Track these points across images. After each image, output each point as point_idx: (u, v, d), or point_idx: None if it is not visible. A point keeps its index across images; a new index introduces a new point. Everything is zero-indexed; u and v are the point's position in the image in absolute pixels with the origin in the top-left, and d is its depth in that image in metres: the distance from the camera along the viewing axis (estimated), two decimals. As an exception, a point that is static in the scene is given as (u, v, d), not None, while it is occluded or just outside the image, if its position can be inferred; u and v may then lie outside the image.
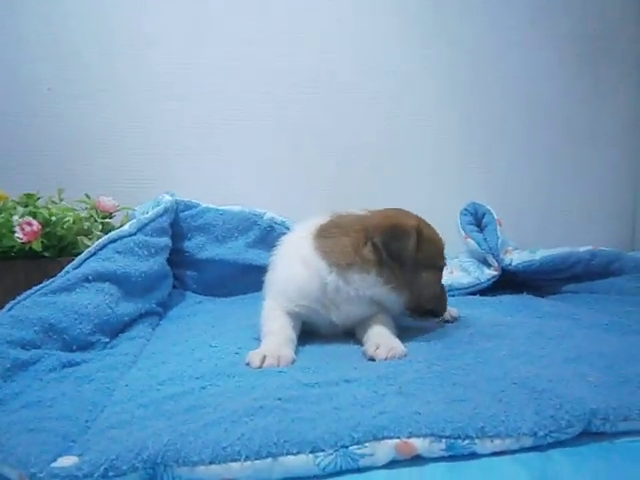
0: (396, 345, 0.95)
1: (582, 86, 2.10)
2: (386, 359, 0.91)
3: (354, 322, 1.07)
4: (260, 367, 0.89)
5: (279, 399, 0.71)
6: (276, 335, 0.99)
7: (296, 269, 1.07)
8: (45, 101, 1.80)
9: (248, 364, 0.90)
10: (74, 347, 0.97)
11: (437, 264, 1.10)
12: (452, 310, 1.25)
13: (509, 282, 1.60)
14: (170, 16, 1.85)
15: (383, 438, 0.61)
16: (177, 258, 1.55)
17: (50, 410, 0.71)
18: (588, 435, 0.65)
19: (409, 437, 0.61)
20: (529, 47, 2.05)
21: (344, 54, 1.94)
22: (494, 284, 1.57)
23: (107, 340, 1.05)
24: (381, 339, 0.97)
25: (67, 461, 0.56)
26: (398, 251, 1.00)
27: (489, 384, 0.76)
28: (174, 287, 1.53)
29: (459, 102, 2.02)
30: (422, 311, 1.11)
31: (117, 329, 1.10)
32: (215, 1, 1.87)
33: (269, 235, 1.59)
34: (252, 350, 0.94)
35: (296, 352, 0.97)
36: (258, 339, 1.03)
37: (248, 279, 1.55)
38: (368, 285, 1.03)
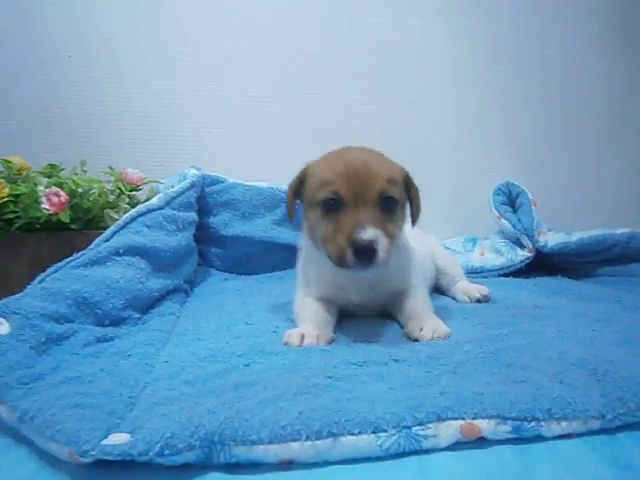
0: (440, 326, 0.91)
1: (610, 56, 2.03)
2: (431, 339, 0.88)
3: (371, 297, 1.03)
4: (300, 346, 0.85)
5: (330, 377, 0.68)
6: (311, 319, 0.95)
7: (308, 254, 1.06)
8: (66, 70, 1.74)
9: (286, 343, 0.87)
10: (106, 322, 0.95)
11: (315, 199, 0.92)
12: (481, 288, 1.22)
13: (541, 264, 1.56)
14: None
15: (447, 419, 0.58)
16: (201, 234, 1.51)
17: (90, 386, 0.68)
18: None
19: (474, 418, 0.58)
20: (551, 19, 1.98)
21: (366, 33, 1.89)
22: (526, 266, 1.53)
23: (138, 316, 1.02)
24: (423, 319, 0.93)
25: (119, 438, 0.54)
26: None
27: (546, 365, 0.73)
28: (198, 264, 1.49)
29: (482, 81, 1.96)
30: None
31: (147, 305, 1.07)
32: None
33: (296, 213, 1.55)
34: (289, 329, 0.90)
35: (334, 332, 0.94)
36: (292, 320, 1.00)
37: (274, 257, 1.53)
38: None
